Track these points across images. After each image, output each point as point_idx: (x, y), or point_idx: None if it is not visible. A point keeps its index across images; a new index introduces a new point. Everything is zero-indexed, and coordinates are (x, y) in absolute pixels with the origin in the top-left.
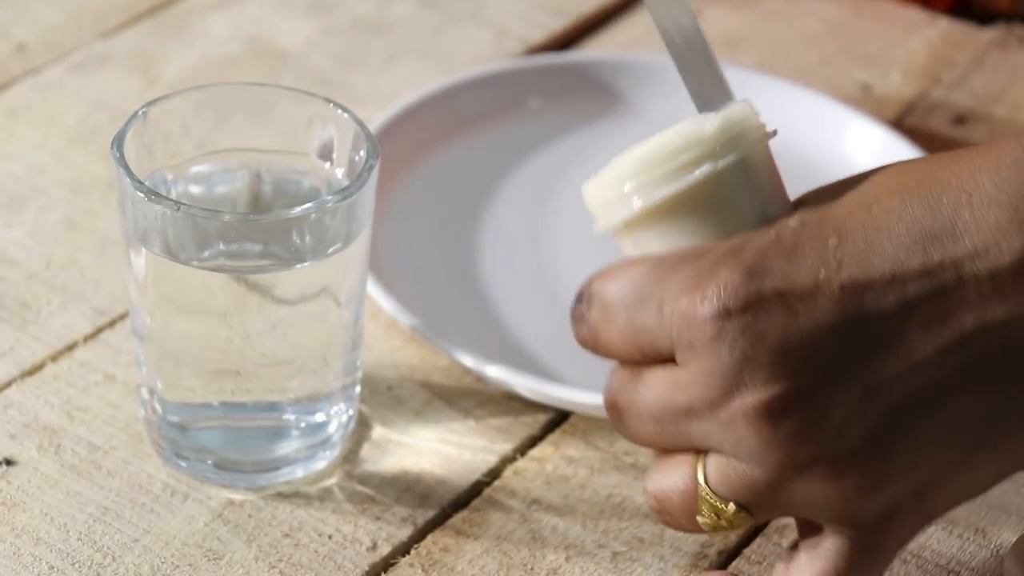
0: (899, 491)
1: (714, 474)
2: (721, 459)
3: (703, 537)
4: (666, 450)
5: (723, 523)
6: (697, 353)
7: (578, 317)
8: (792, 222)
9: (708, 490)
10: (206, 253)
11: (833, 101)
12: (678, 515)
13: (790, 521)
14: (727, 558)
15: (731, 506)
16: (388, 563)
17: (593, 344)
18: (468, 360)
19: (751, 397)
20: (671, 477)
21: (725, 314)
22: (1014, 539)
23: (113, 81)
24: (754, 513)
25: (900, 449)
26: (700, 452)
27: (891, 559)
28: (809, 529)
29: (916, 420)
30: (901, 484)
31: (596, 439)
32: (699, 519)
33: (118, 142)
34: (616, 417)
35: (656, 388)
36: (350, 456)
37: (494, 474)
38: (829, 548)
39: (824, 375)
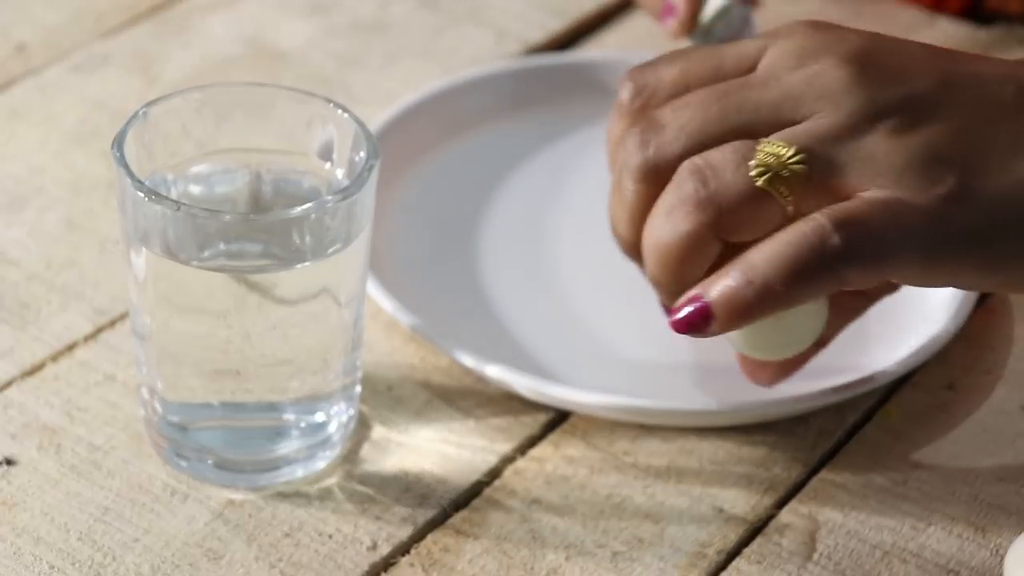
0: (953, 159)
1: (777, 135)
2: (785, 130)
3: (703, 537)
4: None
5: (779, 169)
6: (800, 33)
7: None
8: None
9: (769, 141)
10: (206, 253)
11: None
12: (727, 165)
13: (790, 521)
14: (727, 557)
15: (792, 148)
16: (388, 563)
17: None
18: (468, 360)
19: (846, 49)
20: (722, 149)
21: (826, 25)
22: (1014, 539)
23: (113, 81)
24: (812, 165)
25: (965, 125)
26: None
27: (908, 236)
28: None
29: (988, 125)
30: (957, 153)
31: (596, 439)
32: (752, 164)
33: (118, 142)
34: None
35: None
36: (350, 456)
37: (494, 474)
38: (860, 200)
39: (909, 55)
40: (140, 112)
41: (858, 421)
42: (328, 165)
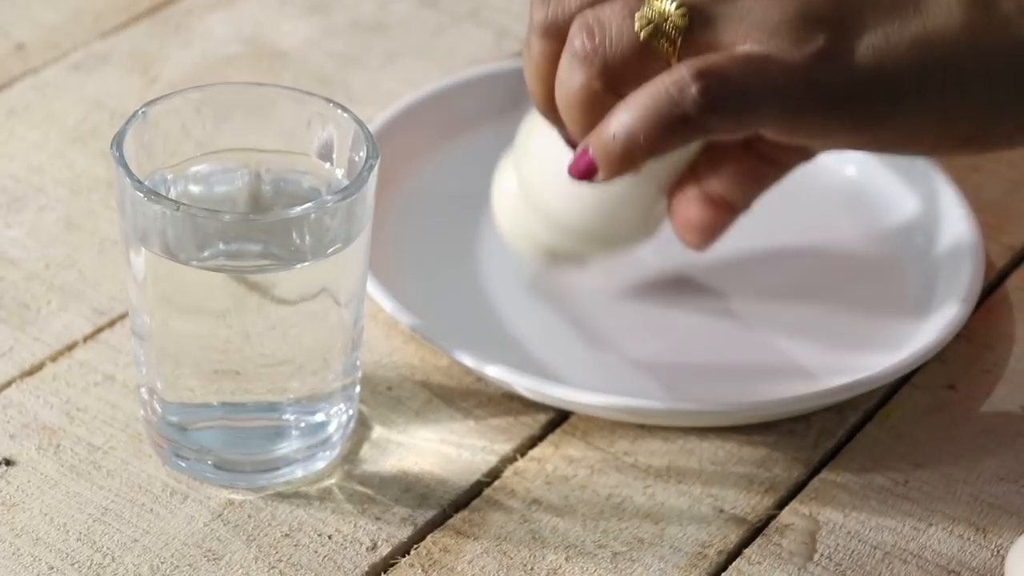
0: (828, 19)
1: None
2: None
3: (703, 537)
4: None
5: (662, 23)
6: None
7: None
8: None
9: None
10: (205, 253)
11: None
12: (613, 19)
13: (791, 522)
14: (727, 558)
15: (676, 4)
16: (388, 563)
17: None
18: (468, 360)
19: None
20: (612, 4)
21: None
22: (1015, 539)
23: (113, 81)
24: (693, 19)
25: None
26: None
27: (771, 90)
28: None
29: None
30: (833, 13)
31: (596, 439)
32: (637, 18)
33: (118, 142)
34: None
35: None
36: (350, 456)
37: (494, 474)
38: (726, 53)
39: None
40: (139, 112)
41: (859, 421)
42: (328, 165)
